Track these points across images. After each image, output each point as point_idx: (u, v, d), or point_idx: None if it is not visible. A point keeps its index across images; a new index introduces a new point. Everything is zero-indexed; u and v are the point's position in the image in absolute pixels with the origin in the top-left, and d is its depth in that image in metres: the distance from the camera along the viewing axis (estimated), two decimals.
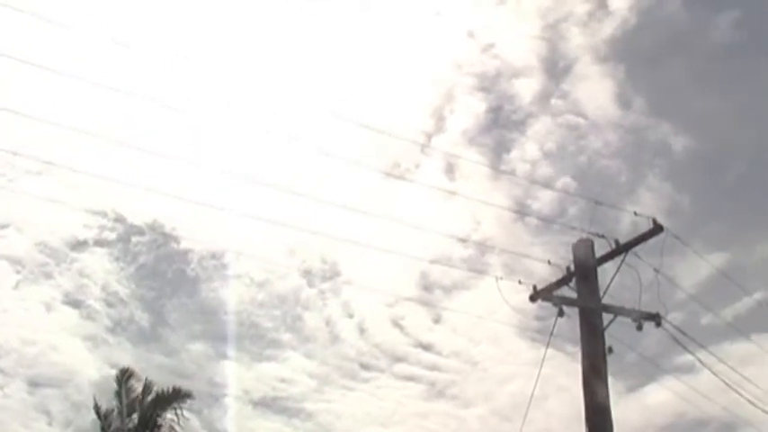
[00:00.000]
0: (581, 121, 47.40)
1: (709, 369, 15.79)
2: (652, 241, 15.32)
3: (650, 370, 17.80)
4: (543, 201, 34.75)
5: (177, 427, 26.04)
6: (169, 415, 26.06)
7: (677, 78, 53.85)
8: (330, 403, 41.77)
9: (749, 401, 16.17)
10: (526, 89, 48.91)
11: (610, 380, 14.50)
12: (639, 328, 14.99)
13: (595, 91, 47.93)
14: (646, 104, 50.36)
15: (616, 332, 14.97)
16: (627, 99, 51.07)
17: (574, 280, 15.20)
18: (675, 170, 49.86)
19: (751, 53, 52.28)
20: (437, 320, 43.07)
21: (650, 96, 50.69)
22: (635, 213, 15.29)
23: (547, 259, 15.70)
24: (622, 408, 15.06)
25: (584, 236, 15.34)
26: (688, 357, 16.23)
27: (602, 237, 15.21)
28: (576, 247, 15.32)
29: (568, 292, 15.20)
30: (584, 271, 15.10)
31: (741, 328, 19.62)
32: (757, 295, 22.13)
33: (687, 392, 17.93)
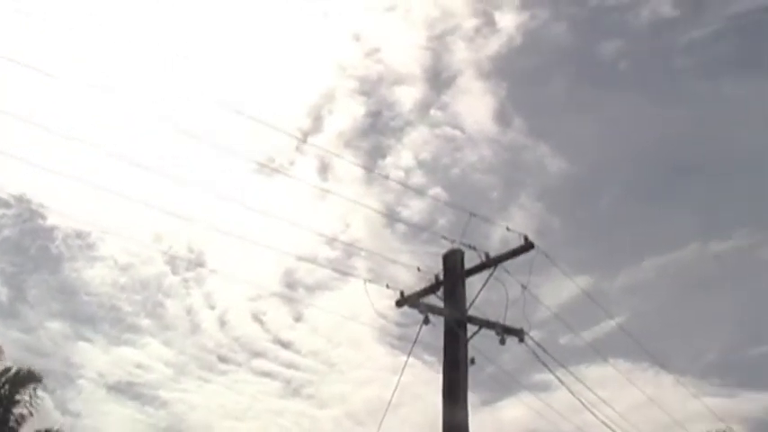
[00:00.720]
0: (458, 133, 48.08)
1: (567, 388, 15.92)
2: (521, 258, 15.36)
3: (507, 384, 17.89)
4: (414, 209, 34.98)
5: (30, 408, 25.13)
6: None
7: (558, 101, 55.21)
8: (185, 393, 41.23)
9: (603, 423, 16.36)
10: (407, 97, 49.44)
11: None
12: (503, 342, 15.01)
13: (475, 106, 48.68)
14: (525, 124, 51.41)
15: (479, 344, 14.98)
16: (506, 117, 52.09)
17: (441, 289, 15.10)
18: (549, 191, 51.03)
19: (631, 82, 53.97)
20: (298, 319, 42.95)
21: (530, 116, 51.79)
22: (507, 228, 15.32)
23: (416, 266, 15.57)
24: (476, 420, 15.01)
25: (455, 246, 15.27)
26: (545, 375, 16.38)
27: (473, 249, 15.17)
28: (446, 257, 15.23)
29: (435, 300, 15.08)
30: (452, 281, 15.03)
31: (599, 351, 19.91)
32: (616, 320, 22.60)
33: (542, 409, 18.09)
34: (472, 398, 14.56)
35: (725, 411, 25.21)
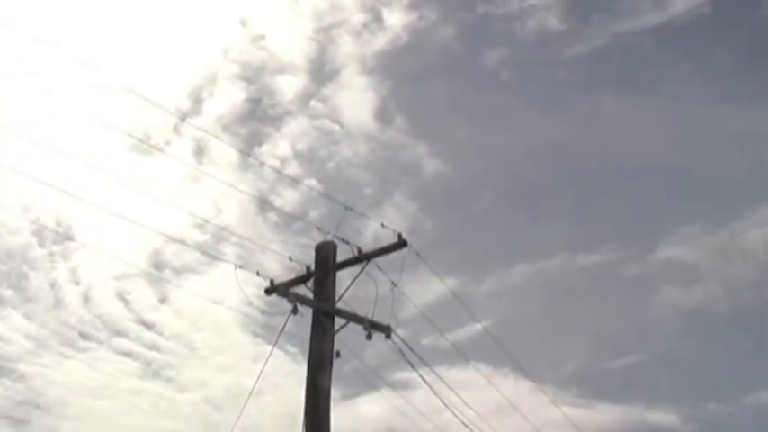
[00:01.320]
0: (337, 127, 47.99)
1: (430, 387, 16.06)
2: (393, 255, 15.46)
3: (369, 380, 17.94)
4: (287, 199, 34.81)
5: None
6: None
7: (439, 103, 55.83)
8: (45, 368, 40.08)
9: (463, 423, 16.57)
10: (289, 86, 49.00)
11: None
12: (369, 337, 15.05)
13: (356, 101, 48.73)
14: (405, 123, 51.68)
15: (345, 338, 15.01)
16: (387, 114, 52.25)
17: (312, 280, 15.07)
18: (424, 192, 51.53)
19: (513, 91, 55.03)
20: (163, 300, 42.23)
21: (410, 116, 52.10)
22: (382, 225, 15.40)
23: (287, 255, 15.51)
24: (335, 414, 15.03)
25: (329, 238, 15.27)
26: (407, 373, 16.49)
27: (347, 242, 15.21)
28: (318, 248, 15.21)
29: (305, 291, 15.05)
30: (323, 272, 15.01)
31: (462, 353, 20.15)
32: (482, 324, 22.99)
33: (403, 407, 18.22)
34: (333, 392, 14.58)
35: (581, 421, 25.79)
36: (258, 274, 15.15)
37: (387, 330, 15.23)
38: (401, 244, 15.20)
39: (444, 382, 16.67)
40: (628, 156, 52.70)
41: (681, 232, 53.10)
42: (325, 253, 15.17)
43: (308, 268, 15.21)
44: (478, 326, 21.92)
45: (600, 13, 55.82)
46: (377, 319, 15.22)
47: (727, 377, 49.57)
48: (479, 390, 21.22)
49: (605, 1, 55.91)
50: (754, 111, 53.40)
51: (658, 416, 45.77)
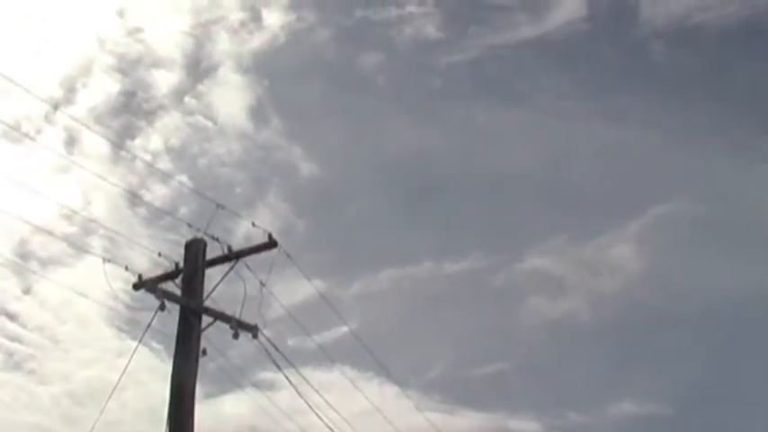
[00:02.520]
0: (210, 124, 47.69)
1: (295, 388, 16.16)
2: (263, 255, 15.53)
3: (234, 379, 17.93)
4: (158, 194, 34.43)
5: None
6: None
7: (315, 106, 55.97)
8: None
9: (327, 426, 16.72)
10: (164, 81, 48.30)
11: None
12: (236, 336, 15.08)
13: (231, 99, 48.52)
14: (280, 124, 51.62)
15: (212, 337, 15.00)
16: (262, 114, 52.10)
17: (180, 277, 15.02)
18: (297, 194, 51.58)
19: (388, 97, 55.62)
20: (27, 291, 41.11)
21: (286, 117, 52.11)
22: (253, 224, 15.45)
23: (156, 251, 15.41)
24: (198, 412, 14.99)
25: (199, 235, 15.24)
26: (272, 374, 16.57)
27: (217, 240, 15.20)
28: (188, 245, 15.17)
29: (173, 288, 14.97)
30: (192, 269, 14.97)
31: (328, 356, 20.27)
32: (349, 327, 23.21)
33: (267, 407, 18.26)
34: (197, 389, 14.56)
35: (444, 427, 26.38)
36: (126, 269, 14.98)
37: (254, 330, 15.28)
38: (271, 244, 15.30)
39: (309, 384, 16.81)
40: (498, 166, 53.89)
41: (548, 243, 54.59)
42: (194, 250, 15.14)
43: (176, 265, 15.14)
44: (345, 329, 22.11)
45: (477, 24, 57.03)
46: (245, 318, 15.26)
47: (589, 388, 51.15)
48: (344, 393, 21.41)
49: (483, 12, 57.17)
50: (625, 128, 55.48)
51: (520, 424, 46.88)
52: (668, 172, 55.77)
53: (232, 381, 17.29)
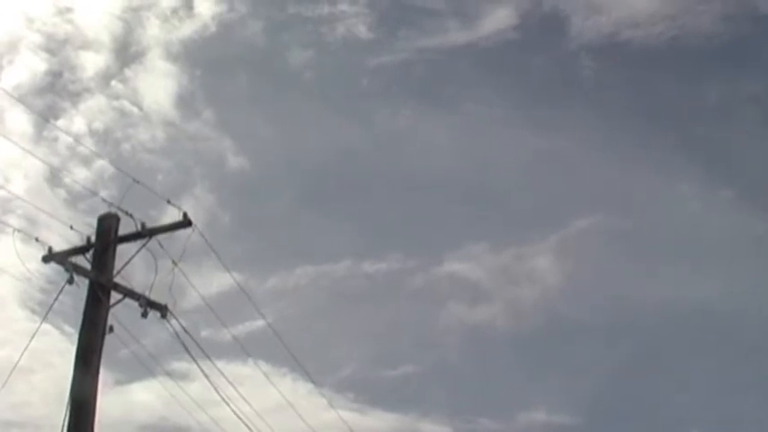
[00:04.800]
0: (136, 110, 47.23)
1: (207, 378, 16.01)
2: (180, 236, 15.38)
3: (147, 367, 17.69)
4: (79, 176, 33.98)
5: None
6: None
7: (243, 98, 55.78)
8: None
9: (239, 418, 16.60)
10: (91, 63, 47.78)
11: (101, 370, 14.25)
12: (145, 315, 14.88)
13: (158, 86, 48.16)
14: (212, 115, 51.33)
15: (121, 318, 14.85)
16: (191, 104, 51.78)
17: (92, 252, 14.80)
18: (224, 186, 51.28)
19: (316, 94, 55.63)
20: None
21: (217, 109, 51.83)
22: (168, 201, 15.32)
23: (69, 225, 15.17)
24: (107, 400, 14.81)
25: (112, 210, 15.04)
26: (183, 364, 16.42)
27: (130, 216, 15.01)
28: (101, 220, 14.99)
29: (84, 263, 14.74)
30: (103, 244, 14.78)
31: (243, 348, 20.04)
32: (267, 321, 23.10)
33: (179, 397, 18.04)
34: (106, 376, 14.38)
35: (355, 426, 26.24)
36: (37, 240, 14.73)
37: (163, 310, 15.10)
38: (186, 223, 15.14)
39: (224, 376, 16.67)
40: (422, 169, 54.21)
41: (468, 249, 55.02)
42: (107, 225, 14.94)
43: (88, 239, 14.94)
44: (259, 322, 21.92)
45: (408, 27, 57.36)
46: (156, 299, 15.10)
47: (502, 395, 51.64)
48: (257, 387, 21.29)
49: (414, 15, 57.56)
50: (551, 139, 56.28)
51: (432, 427, 47.16)
52: (592, 185, 56.73)
53: (144, 367, 17.04)
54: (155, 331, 15.80)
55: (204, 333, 20.26)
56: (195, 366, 16.14)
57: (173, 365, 18.81)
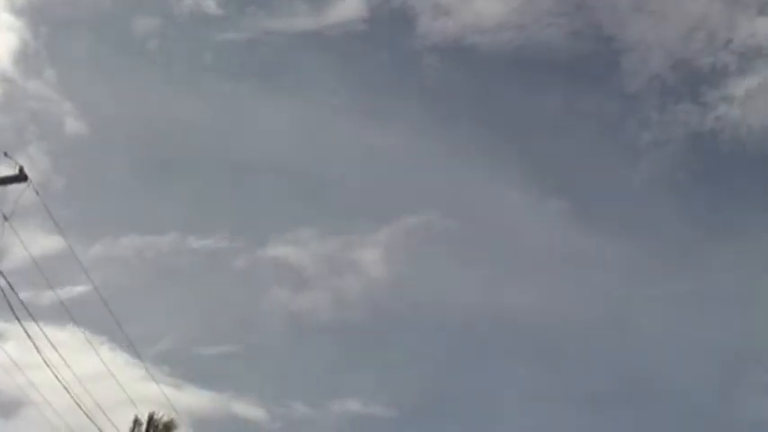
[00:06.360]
0: None
1: (31, 340, 15.81)
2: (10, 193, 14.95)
3: None
4: None
5: None
6: None
7: (89, 63, 55.00)
8: None
9: (59, 382, 16.34)
10: None
11: None
12: None
13: None
14: (53, 75, 49.99)
15: None
16: (33, 62, 50.23)
17: None
18: (60, 150, 50.04)
19: (156, 62, 55.00)
20: None
21: (59, 69, 50.59)
22: (5, 154, 14.88)
23: None
24: None
25: None
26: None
27: None
28: None
29: None
30: None
31: (67, 313, 19.48)
32: (82, 288, 22.66)
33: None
34: None
35: (172, 400, 26.09)
36: None
37: None
38: (21, 177, 14.78)
39: (48, 339, 16.35)
40: (256, 151, 54.42)
41: (294, 233, 55.37)
42: None
43: None
44: (80, 288, 21.48)
45: (257, 6, 57.30)
46: None
47: (319, 382, 52.43)
48: (73, 353, 20.83)
49: None
50: (390, 134, 57.26)
51: (246, 408, 47.28)
52: (426, 183, 58.19)
53: None
54: None
55: (23, 295, 19.70)
56: (10, 327, 15.75)
57: None
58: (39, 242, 19.17)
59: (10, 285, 14.99)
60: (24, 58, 49.73)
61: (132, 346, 21.47)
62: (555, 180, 58.67)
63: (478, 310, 53.46)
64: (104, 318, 20.08)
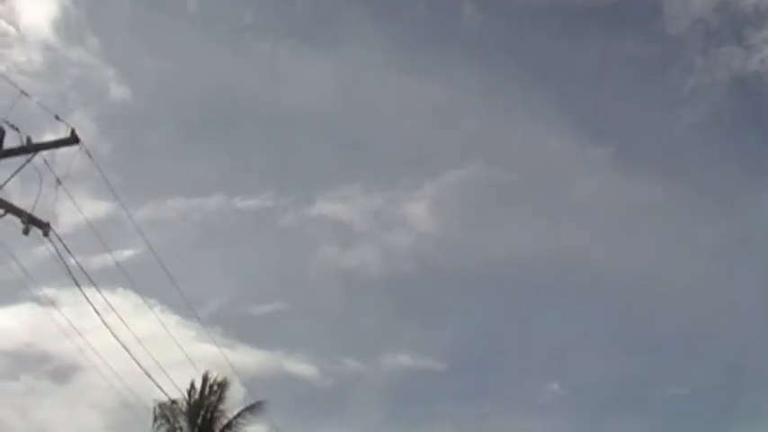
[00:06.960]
0: (12, 30, 45.81)
1: (91, 304, 15.85)
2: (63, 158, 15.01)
3: (14, 292, 17.24)
4: None
5: None
6: None
7: (127, 27, 55.19)
8: None
9: (122, 345, 16.44)
10: None
11: None
12: (26, 231, 14.54)
13: (37, 8, 46.71)
14: (97, 43, 50.15)
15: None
16: (74, 30, 50.43)
17: None
18: (105, 116, 50.59)
19: (197, 24, 55.11)
20: None
21: (102, 37, 50.92)
22: (57, 117, 14.93)
23: None
24: None
25: None
26: (54, 290, 16.33)
27: (16, 129, 14.56)
28: None
29: None
30: None
31: (128, 276, 19.55)
32: (131, 251, 22.73)
33: (46, 324, 17.59)
34: None
35: (223, 360, 26.33)
36: None
37: (45, 227, 14.83)
38: (73, 140, 14.81)
39: (108, 303, 16.40)
40: (296, 108, 54.29)
41: (340, 191, 55.42)
42: None
43: None
44: (129, 252, 21.52)
45: None
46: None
47: (369, 337, 52.75)
48: (126, 316, 20.97)
49: None
50: (431, 87, 56.89)
51: (298, 366, 47.70)
52: (468, 134, 57.76)
53: (11, 291, 16.62)
54: (31, 251, 15.44)
55: (73, 261, 19.80)
56: (64, 293, 15.83)
57: (42, 292, 18.32)
58: (87, 207, 19.19)
59: (67, 249, 15.02)
60: (66, 26, 50.02)
61: (189, 307, 21.58)
62: (598, 127, 58.13)
63: (530, 261, 53.22)
64: (154, 281, 20.22)
